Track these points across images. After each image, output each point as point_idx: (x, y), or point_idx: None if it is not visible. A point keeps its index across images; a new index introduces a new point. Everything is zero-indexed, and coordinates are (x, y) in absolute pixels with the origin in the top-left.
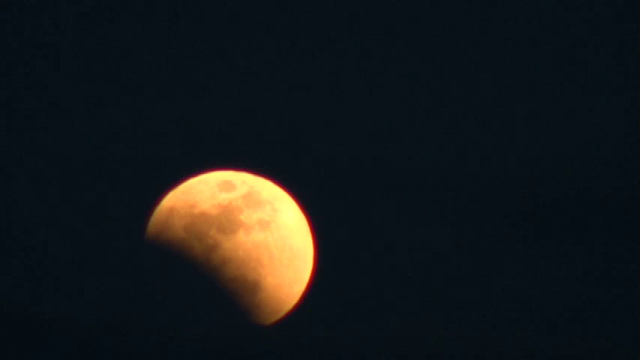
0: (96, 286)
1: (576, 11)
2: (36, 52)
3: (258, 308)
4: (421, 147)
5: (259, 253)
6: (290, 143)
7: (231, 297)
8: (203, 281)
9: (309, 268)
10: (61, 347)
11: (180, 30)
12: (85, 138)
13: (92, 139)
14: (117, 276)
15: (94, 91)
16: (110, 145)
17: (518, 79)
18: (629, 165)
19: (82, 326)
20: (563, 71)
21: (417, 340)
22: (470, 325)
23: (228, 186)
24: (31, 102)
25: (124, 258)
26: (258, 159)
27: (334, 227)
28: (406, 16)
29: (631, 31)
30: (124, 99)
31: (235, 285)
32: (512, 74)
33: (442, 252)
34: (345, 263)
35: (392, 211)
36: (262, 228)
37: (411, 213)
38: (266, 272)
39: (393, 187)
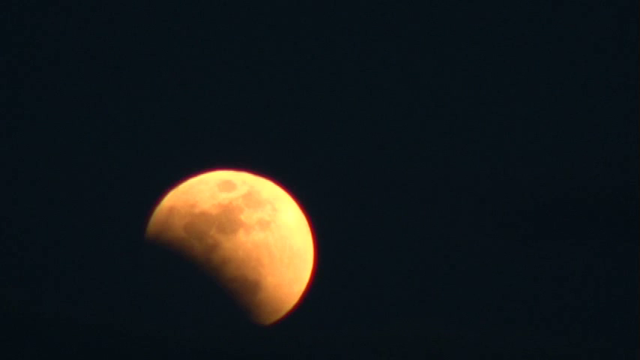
0: (96, 286)
1: (576, 11)
2: (36, 52)
3: (258, 308)
4: (421, 147)
5: (259, 253)
6: (290, 143)
7: (231, 297)
8: (203, 281)
9: (309, 268)
10: (61, 347)
11: (180, 30)
12: (85, 138)
13: (92, 139)
14: (117, 276)
15: (94, 92)
16: (110, 145)
17: (518, 79)
18: (629, 165)
19: (82, 326)
20: (563, 71)
21: (417, 340)
22: (470, 325)
23: (228, 186)
24: (31, 102)
25: (124, 258)
26: (258, 159)
27: (334, 227)
28: (406, 16)
29: (631, 31)
30: (124, 99)
31: (235, 285)
32: (512, 74)
33: (442, 252)
34: (345, 263)
35: (392, 211)
36: (262, 228)
37: (411, 213)
38: (266, 272)
39: (393, 187)
